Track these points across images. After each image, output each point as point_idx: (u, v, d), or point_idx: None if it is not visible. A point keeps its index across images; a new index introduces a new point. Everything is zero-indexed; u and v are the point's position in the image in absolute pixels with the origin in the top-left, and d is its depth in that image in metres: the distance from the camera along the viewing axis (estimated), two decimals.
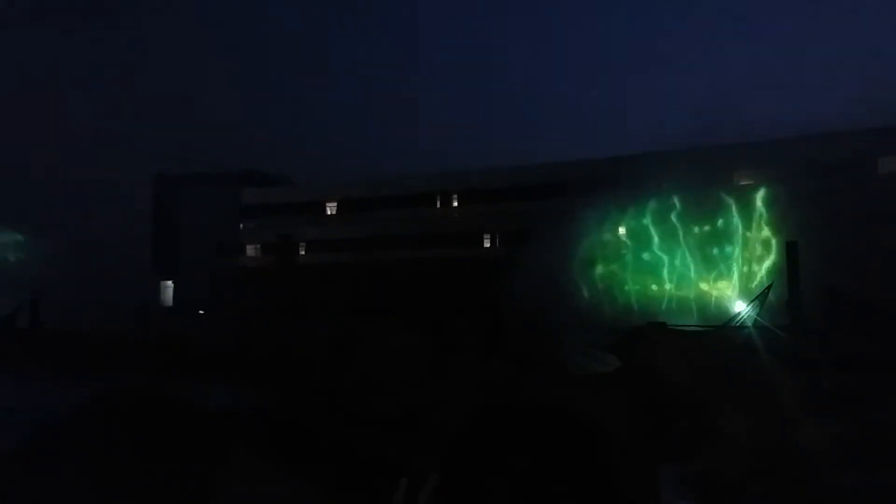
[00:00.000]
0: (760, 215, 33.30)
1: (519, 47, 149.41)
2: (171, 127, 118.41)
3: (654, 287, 35.00)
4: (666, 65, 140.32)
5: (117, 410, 1.40)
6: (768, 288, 27.48)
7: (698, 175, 32.78)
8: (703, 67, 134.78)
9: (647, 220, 35.60)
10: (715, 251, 33.99)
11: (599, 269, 35.98)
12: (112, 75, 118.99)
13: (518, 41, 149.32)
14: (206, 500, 1.36)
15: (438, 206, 46.40)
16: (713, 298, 33.05)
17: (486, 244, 43.62)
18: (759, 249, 33.10)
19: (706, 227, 34.23)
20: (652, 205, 35.03)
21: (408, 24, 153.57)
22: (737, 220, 33.79)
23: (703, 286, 33.72)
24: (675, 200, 34.45)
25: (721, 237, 34.04)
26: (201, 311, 39.10)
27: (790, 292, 25.20)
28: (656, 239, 35.36)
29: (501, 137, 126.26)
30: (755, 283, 31.44)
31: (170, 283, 50.95)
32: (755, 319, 24.13)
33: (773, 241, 32.11)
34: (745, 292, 31.43)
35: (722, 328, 24.62)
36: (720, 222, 34.09)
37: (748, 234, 33.47)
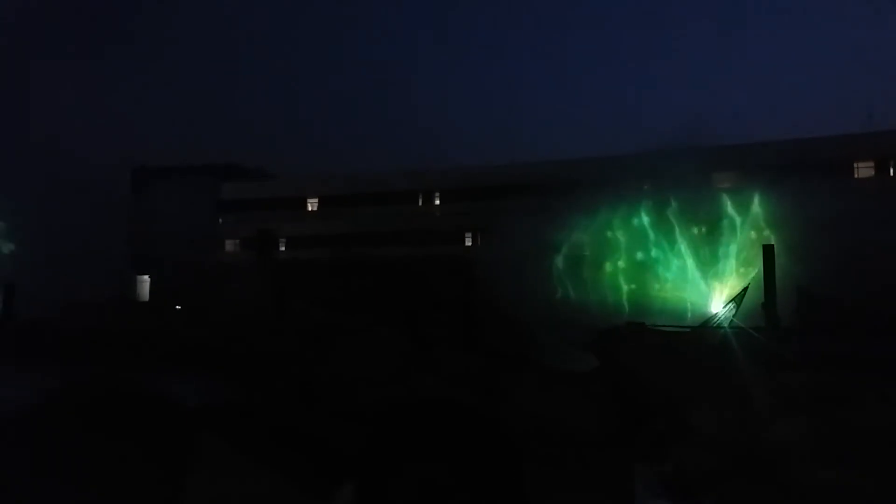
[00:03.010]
0: (742, 217, 33.70)
1: (504, 45, 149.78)
2: (150, 119, 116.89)
3: (633, 287, 35.26)
4: (651, 70, 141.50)
5: (87, 401, 1.37)
6: (745, 290, 27.86)
7: (679, 177, 33.04)
8: (688, 72, 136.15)
9: (625, 222, 35.85)
10: (696, 253, 34.30)
11: (577, 268, 36.17)
12: (91, 63, 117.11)
13: (503, 38, 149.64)
14: (179, 493, 1.34)
15: (420, 203, 46.31)
16: (694, 299, 33.36)
17: (468, 242, 43.61)
18: (739, 251, 33.48)
19: (688, 229, 34.53)
20: (629, 206, 35.27)
21: (392, 19, 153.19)
22: (719, 221, 34.13)
23: (684, 287, 34.02)
24: (654, 202, 34.71)
25: (703, 239, 34.35)
26: (178, 307, 38.66)
27: (766, 294, 25.54)
28: (635, 240, 35.61)
29: (486, 136, 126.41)
30: (736, 284, 31.80)
31: (146, 277, 50.30)
32: (731, 320, 24.46)
33: (753, 243, 32.46)
34: (726, 293, 31.79)
35: (699, 329, 24.91)
36: (702, 224, 34.39)
37: (730, 235, 33.84)
